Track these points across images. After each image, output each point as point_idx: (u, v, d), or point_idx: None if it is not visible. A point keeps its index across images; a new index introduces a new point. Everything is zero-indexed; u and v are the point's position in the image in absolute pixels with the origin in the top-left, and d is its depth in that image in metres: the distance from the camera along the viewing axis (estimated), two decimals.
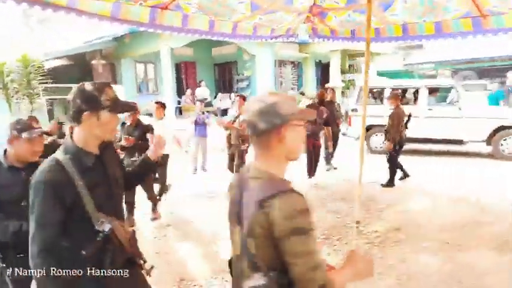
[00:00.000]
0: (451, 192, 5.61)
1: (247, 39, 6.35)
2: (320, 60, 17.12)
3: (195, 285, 3.14)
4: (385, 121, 8.39)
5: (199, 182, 6.32)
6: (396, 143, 5.93)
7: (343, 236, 4.12)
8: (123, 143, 4.40)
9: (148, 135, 4.37)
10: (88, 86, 1.41)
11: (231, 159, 5.81)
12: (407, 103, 8.97)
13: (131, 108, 1.68)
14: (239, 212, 1.18)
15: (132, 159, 4.44)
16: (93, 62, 12.41)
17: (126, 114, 4.56)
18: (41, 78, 8.51)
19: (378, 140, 8.36)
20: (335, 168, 6.83)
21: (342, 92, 15.19)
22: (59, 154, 1.44)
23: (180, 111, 12.20)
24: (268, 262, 1.11)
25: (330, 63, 15.10)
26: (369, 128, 8.35)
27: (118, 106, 1.45)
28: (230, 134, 5.77)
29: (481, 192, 5.52)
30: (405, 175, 6.09)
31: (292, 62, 15.44)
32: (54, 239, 1.36)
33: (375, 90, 9.31)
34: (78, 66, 13.22)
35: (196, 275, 3.33)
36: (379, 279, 3.18)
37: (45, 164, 1.42)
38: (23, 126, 1.96)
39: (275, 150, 1.17)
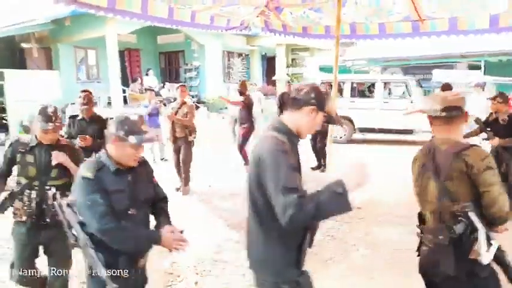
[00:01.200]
0: (400, 175, 6.27)
1: (204, 29, 6.42)
2: (265, 53, 17.51)
3: (188, 267, 3.30)
4: (346, 113, 8.97)
5: (161, 172, 6.25)
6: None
7: None
8: (78, 143, 3.54)
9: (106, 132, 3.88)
10: (322, 89, 1.63)
11: (177, 153, 5.42)
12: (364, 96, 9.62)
13: (338, 121, 1.82)
14: (435, 169, 1.72)
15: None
16: (25, 45, 11.36)
17: (82, 106, 3.96)
18: None
19: (337, 130, 9.05)
20: None
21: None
22: (275, 134, 1.54)
23: (125, 100, 11.73)
24: (464, 195, 1.63)
25: (276, 57, 15.53)
26: None
27: (331, 117, 1.65)
28: (174, 126, 5.34)
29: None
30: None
31: (240, 54, 15.59)
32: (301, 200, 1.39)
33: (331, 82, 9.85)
34: (6, 50, 12.00)
35: (185, 258, 3.40)
36: (353, 250, 3.69)
37: (271, 139, 1.51)
38: (132, 128, 1.71)
39: (460, 127, 1.79)
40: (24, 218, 2.27)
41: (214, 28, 6.35)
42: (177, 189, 5.46)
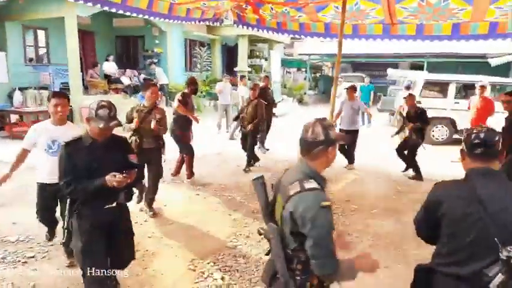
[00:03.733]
0: (372, 168, 6.83)
1: (180, 21, 6.42)
2: (226, 43, 17.43)
3: (208, 262, 3.34)
4: (449, 114, 9.28)
5: None
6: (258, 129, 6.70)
7: None
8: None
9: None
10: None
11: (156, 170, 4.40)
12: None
13: None
14: None
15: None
16: None
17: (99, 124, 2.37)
18: None
19: (439, 132, 9.43)
20: (267, 150, 7.43)
21: (249, 78, 15.89)
22: None
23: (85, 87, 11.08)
24: None
25: (238, 48, 15.56)
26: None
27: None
28: (140, 134, 4.24)
29: (396, 166, 6.77)
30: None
31: (202, 43, 15.38)
32: None
33: (437, 83, 10.01)
34: None
35: (202, 253, 3.49)
36: (358, 242, 3.85)
37: None
38: None
39: None
40: None
41: (188, 20, 6.37)
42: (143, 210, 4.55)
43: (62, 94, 3.17)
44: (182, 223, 4.21)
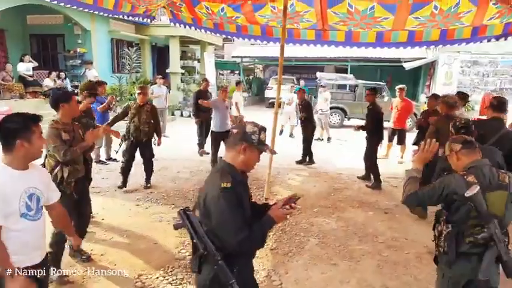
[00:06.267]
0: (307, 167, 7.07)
1: (107, 14, 6.01)
2: (156, 44, 16.82)
3: (157, 277, 3.15)
4: None
5: None
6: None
7: None
8: None
9: None
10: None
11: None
12: None
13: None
14: None
15: None
16: None
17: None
18: None
19: None
20: (207, 153, 7.27)
21: (181, 80, 15.52)
22: None
23: None
24: None
25: (170, 49, 15.09)
26: None
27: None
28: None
29: (330, 164, 7.10)
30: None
31: (131, 43, 14.60)
32: None
33: None
34: None
35: (150, 267, 3.31)
36: (305, 240, 3.97)
37: None
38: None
39: None
40: None
41: (116, 13, 6.00)
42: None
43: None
44: (124, 237, 3.93)
